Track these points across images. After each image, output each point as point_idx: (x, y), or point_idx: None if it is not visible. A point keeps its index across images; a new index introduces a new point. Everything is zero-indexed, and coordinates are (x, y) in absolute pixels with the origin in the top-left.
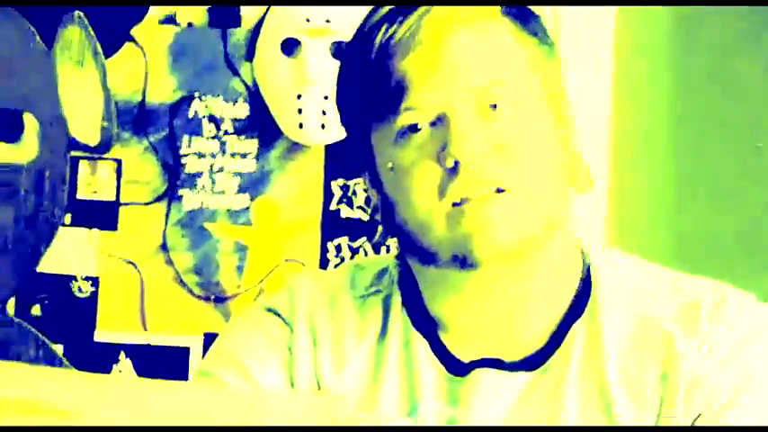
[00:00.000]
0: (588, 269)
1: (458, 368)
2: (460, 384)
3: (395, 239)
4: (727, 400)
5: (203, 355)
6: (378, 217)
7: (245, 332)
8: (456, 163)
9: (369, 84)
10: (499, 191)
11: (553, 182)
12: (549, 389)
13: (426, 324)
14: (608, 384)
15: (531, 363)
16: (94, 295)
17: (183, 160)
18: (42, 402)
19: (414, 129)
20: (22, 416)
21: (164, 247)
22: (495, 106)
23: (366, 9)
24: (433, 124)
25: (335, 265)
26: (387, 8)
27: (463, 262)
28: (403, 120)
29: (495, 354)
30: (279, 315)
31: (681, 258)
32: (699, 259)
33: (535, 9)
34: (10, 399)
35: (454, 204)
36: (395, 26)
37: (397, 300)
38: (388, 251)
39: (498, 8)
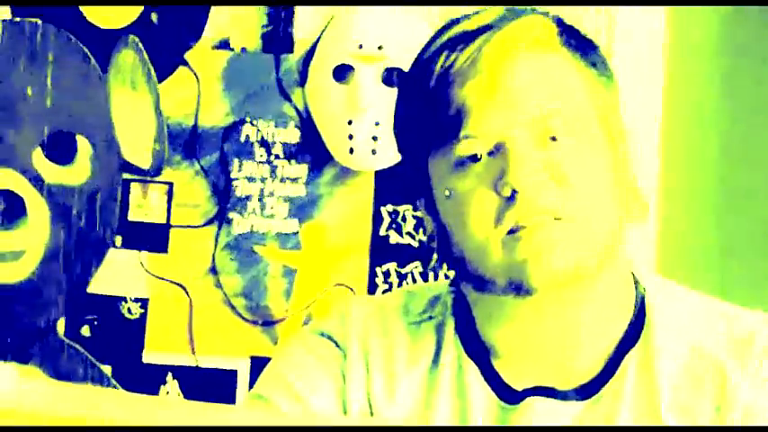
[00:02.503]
0: (642, 299)
1: (510, 396)
2: (512, 413)
3: (444, 267)
4: None
5: (250, 379)
6: (433, 244)
7: (299, 356)
8: (513, 192)
9: (427, 111)
10: (556, 219)
11: (609, 211)
12: (602, 418)
13: (479, 351)
14: (661, 416)
15: (585, 392)
16: (143, 317)
17: (234, 184)
18: (93, 420)
19: (474, 159)
20: None
21: (213, 270)
22: (554, 137)
23: (421, 37)
24: (490, 153)
25: (383, 291)
26: (447, 36)
27: (518, 289)
28: (461, 148)
29: (548, 382)
30: (332, 340)
31: (731, 290)
32: (750, 291)
33: (594, 39)
34: (61, 417)
35: (510, 231)
36: (455, 54)
37: (450, 326)
38: (436, 278)
39: (558, 39)
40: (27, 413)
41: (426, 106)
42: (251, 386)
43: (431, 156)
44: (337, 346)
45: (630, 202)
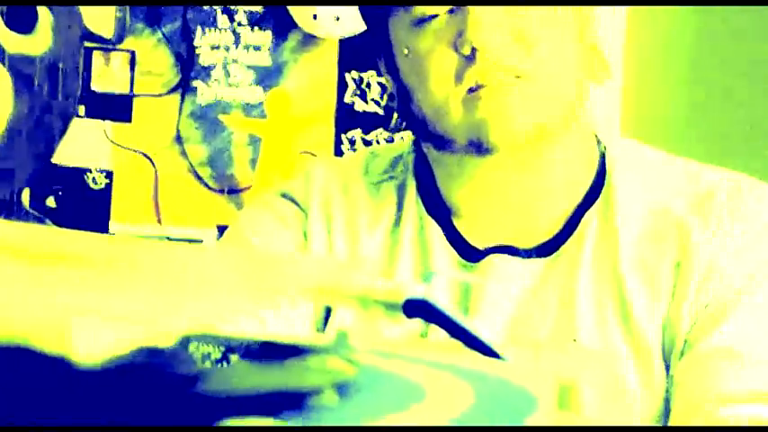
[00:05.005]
0: (603, 158)
1: (471, 254)
2: (473, 270)
3: (409, 132)
4: (740, 287)
5: None
6: (393, 104)
7: (260, 217)
8: (473, 50)
9: None
10: (516, 77)
11: (570, 71)
12: (562, 276)
13: (440, 210)
14: (621, 272)
15: (545, 250)
16: (109, 187)
17: (197, 52)
18: (59, 256)
19: (431, 15)
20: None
21: (178, 139)
22: None
23: None
24: (450, 11)
25: None
26: None
27: (479, 147)
28: (421, 6)
29: (509, 241)
30: (294, 200)
31: (696, 148)
32: (714, 149)
33: None
34: (27, 252)
35: (470, 90)
36: None
37: (411, 186)
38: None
39: None
40: None
41: None
42: None
43: (391, 15)
44: (299, 206)
45: (592, 63)
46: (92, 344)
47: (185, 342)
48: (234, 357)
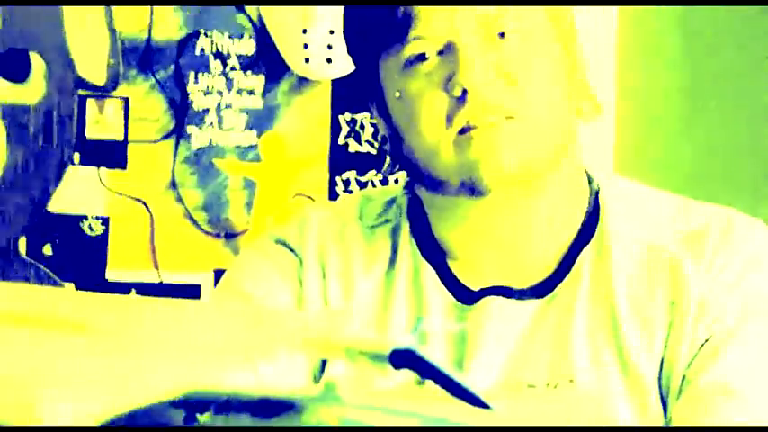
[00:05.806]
0: (596, 196)
1: (466, 296)
2: (469, 312)
3: (403, 173)
4: (735, 323)
5: None
6: (386, 147)
7: (255, 264)
8: (464, 91)
9: (376, 14)
10: (507, 118)
11: (560, 109)
12: (558, 316)
13: (435, 253)
14: (617, 311)
15: (540, 290)
16: (105, 234)
17: (191, 97)
18: (54, 318)
19: (421, 58)
20: (44, 329)
21: (173, 184)
22: (502, 34)
23: None
24: (440, 53)
25: None
26: None
27: (471, 189)
28: (411, 49)
29: (504, 282)
30: (288, 246)
31: (689, 185)
32: (707, 186)
33: None
34: (20, 315)
35: (461, 132)
36: None
37: (405, 229)
38: (396, 184)
39: None
40: None
41: (375, 9)
42: None
43: (381, 58)
44: (293, 252)
45: (582, 100)
46: (59, 415)
47: (176, 401)
48: (224, 415)
